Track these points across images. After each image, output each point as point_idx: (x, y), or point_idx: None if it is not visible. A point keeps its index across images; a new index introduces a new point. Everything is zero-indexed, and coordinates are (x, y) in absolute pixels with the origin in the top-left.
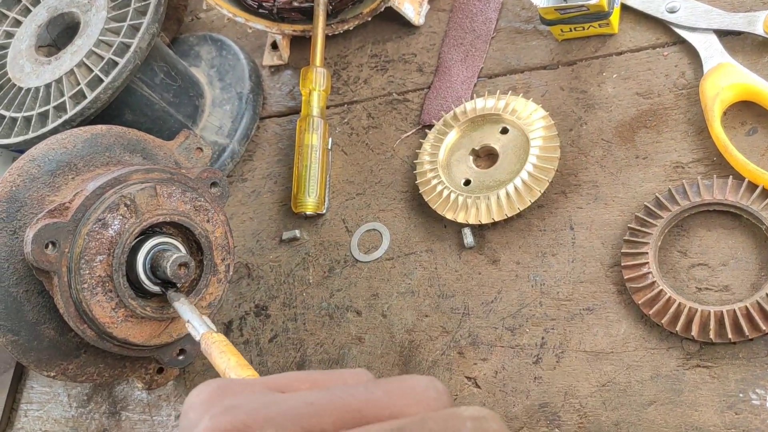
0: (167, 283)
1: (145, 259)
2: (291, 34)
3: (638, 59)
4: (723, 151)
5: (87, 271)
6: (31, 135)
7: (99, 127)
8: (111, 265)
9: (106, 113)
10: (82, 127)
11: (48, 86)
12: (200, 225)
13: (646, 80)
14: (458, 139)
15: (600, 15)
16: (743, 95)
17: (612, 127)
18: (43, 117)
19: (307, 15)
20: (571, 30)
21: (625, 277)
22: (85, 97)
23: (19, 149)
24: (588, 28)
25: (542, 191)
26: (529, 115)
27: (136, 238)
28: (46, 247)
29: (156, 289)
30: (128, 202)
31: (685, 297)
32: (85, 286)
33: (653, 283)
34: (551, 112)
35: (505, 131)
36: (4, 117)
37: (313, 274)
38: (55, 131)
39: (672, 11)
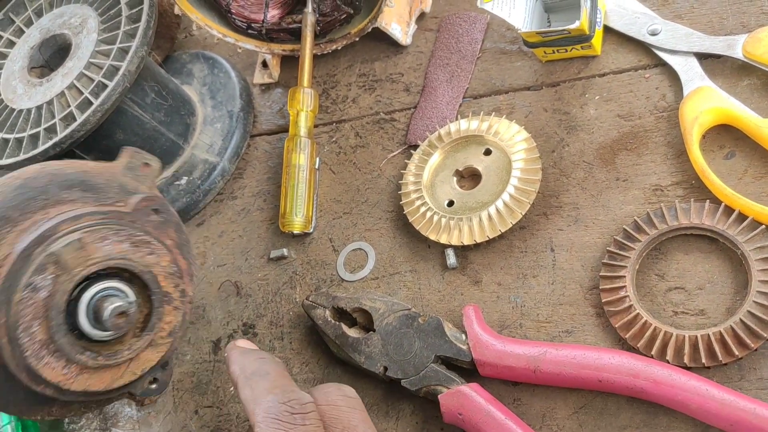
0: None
1: (87, 309)
2: (281, 53)
3: (620, 81)
4: (701, 174)
5: (26, 339)
6: (22, 157)
7: (30, 169)
8: (50, 327)
9: (97, 134)
10: (12, 174)
11: (39, 108)
12: (140, 261)
13: (627, 102)
14: (442, 160)
15: (581, 38)
16: (722, 119)
17: (593, 149)
18: (35, 139)
19: (296, 35)
20: (554, 52)
21: (603, 300)
22: (75, 119)
23: (11, 170)
24: (571, 50)
25: (524, 213)
26: (512, 137)
27: (71, 295)
28: None
29: (106, 335)
30: (55, 260)
31: (661, 321)
32: (28, 353)
33: (630, 306)
34: (534, 133)
35: (488, 152)
36: None
37: (299, 293)
38: (45, 153)
39: (653, 34)
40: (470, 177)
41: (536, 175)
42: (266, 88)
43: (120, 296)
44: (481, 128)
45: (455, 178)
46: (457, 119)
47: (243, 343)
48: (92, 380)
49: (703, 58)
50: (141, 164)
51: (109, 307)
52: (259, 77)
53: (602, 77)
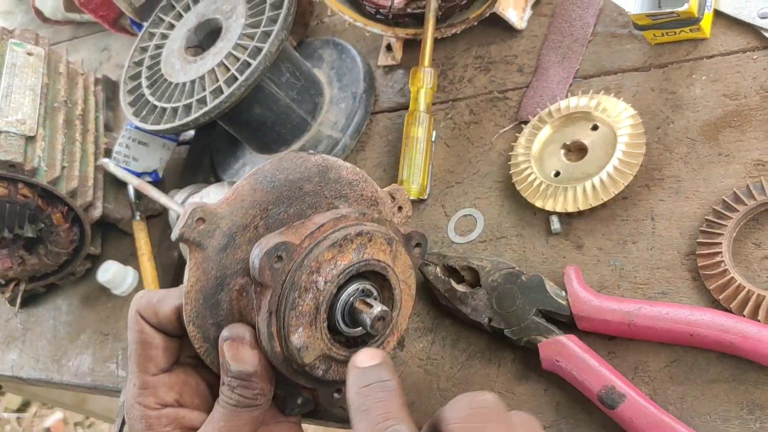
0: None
1: (345, 302)
2: (404, 37)
3: (728, 62)
4: None
5: (298, 297)
6: (177, 123)
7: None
8: (324, 298)
9: (238, 107)
10: (305, 157)
11: (193, 82)
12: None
13: (734, 82)
14: (552, 134)
15: (690, 21)
16: None
17: (697, 126)
18: (188, 108)
19: (419, 20)
20: (663, 34)
21: (699, 264)
22: (222, 92)
23: (167, 135)
24: (679, 33)
25: (626, 184)
26: (619, 114)
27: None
28: (276, 261)
29: (349, 331)
30: (366, 240)
31: (755, 285)
32: (293, 312)
33: (725, 270)
34: (640, 111)
35: (595, 128)
36: (156, 107)
37: None
38: (195, 121)
39: (764, 17)
40: (577, 151)
41: (640, 149)
42: (389, 69)
43: (372, 297)
44: (589, 105)
45: (563, 151)
46: (567, 97)
47: (364, 357)
48: (329, 368)
49: None
50: (397, 207)
51: (374, 311)
52: (383, 59)
53: (710, 59)
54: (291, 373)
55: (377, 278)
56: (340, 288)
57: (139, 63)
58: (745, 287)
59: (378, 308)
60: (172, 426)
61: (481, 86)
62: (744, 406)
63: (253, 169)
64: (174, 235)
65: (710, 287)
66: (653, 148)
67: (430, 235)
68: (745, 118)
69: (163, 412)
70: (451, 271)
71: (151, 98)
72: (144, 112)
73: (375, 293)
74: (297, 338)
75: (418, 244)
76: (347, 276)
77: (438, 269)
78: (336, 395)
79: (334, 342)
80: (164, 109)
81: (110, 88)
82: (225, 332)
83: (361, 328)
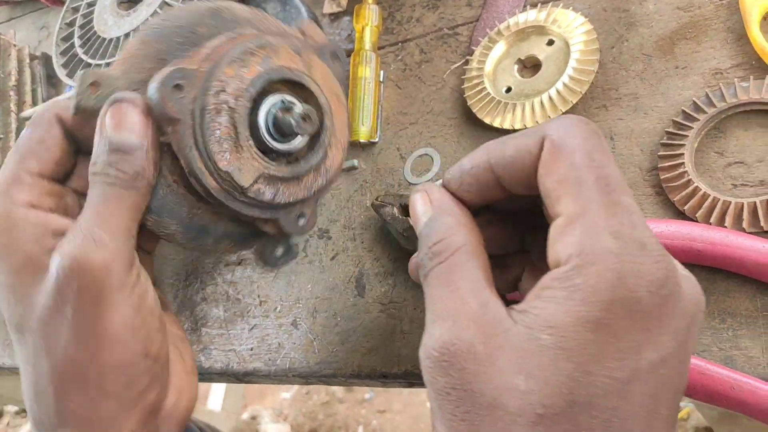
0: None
1: (266, 115)
2: None
3: None
4: (761, 53)
5: (212, 121)
6: None
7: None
8: (238, 135)
9: None
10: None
11: (127, 35)
12: (315, 83)
13: None
14: (506, 50)
15: None
16: None
17: (652, 42)
18: None
19: None
20: None
21: (662, 178)
22: None
23: None
24: None
25: (575, 102)
26: (570, 24)
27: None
28: (173, 90)
29: (280, 146)
30: (271, 52)
31: (720, 192)
32: (212, 138)
33: (689, 180)
34: (594, 30)
35: (551, 43)
36: (90, 65)
37: (369, 198)
38: None
39: None
40: (532, 67)
41: (592, 65)
42: (335, 17)
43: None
44: (538, 18)
45: (516, 66)
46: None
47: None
48: (276, 190)
49: None
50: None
51: (297, 111)
52: (328, 7)
53: None
54: (242, 207)
55: (295, 88)
56: (257, 104)
57: (71, 23)
58: (710, 195)
59: (299, 108)
60: (42, 228)
61: (430, 24)
62: (716, 316)
63: None
64: (71, 109)
65: (674, 199)
66: (609, 68)
67: (386, 178)
68: (700, 29)
69: (32, 213)
70: (408, 210)
71: (84, 57)
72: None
73: (297, 103)
74: (225, 163)
75: (335, 55)
76: (258, 88)
77: (395, 209)
78: (301, 221)
79: (271, 161)
80: (99, 67)
81: (51, 65)
82: (111, 97)
83: (293, 138)
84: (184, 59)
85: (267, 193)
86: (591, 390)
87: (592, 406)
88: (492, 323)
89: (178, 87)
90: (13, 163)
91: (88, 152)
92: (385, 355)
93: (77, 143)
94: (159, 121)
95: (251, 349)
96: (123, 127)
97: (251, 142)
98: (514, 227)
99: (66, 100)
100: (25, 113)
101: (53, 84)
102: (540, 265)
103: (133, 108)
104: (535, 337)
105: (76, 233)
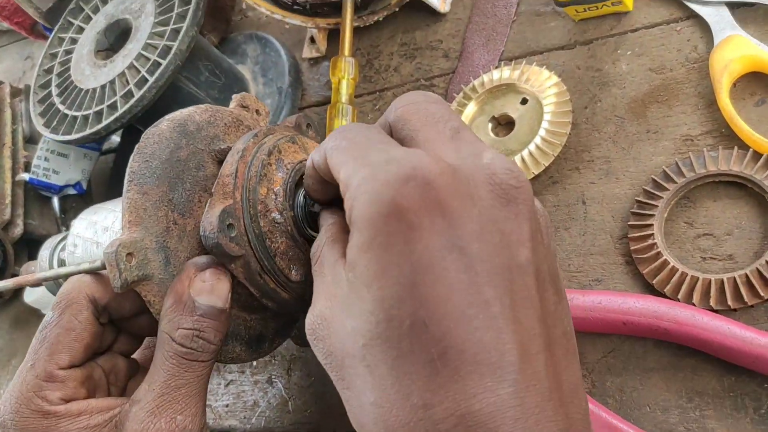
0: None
1: (302, 213)
2: (326, 27)
3: (652, 35)
4: (730, 122)
5: (271, 243)
6: (88, 131)
7: (186, 116)
8: (287, 208)
9: (154, 109)
10: (173, 119)
11: (103, 87)
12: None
13: (659, 56)
14: (479, 108)
15: None
16: (752, 66)
17: (625, 104)
18: (99, 115)
19: (338, 9)
20: (585, 10)
21: (632, 248)
22: (133, 95)
23: (86, 145)
24: (602, 7)
25: (547, 164)
26: (542, 83)
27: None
28: (229, 229)
29: (315, 233)
30: (278, 154)
31: (689, 266)
32: (278, 257)
33: (658, 253)
34: (567, 90)
35: (524, 101)
36: (67, 116)
37: None
38: (107, 128)
39: None
40: (506, 125)
41: (565, 128)
42: (315, 62)
43: None
44: (512, 77)
45: (491, 125)
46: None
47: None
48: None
49: (735, 7)
50: (254, 111)
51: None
52: (308, 52)
53: (634, 32)
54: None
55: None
56: (293, 207)
57: (49, 70)
58: (678, 269)
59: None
60: (81, 424)
61: (408, 74)
62: (683, 395)
63: (125, 180)
64: (117, 286)
65: (644, 271)
66: (582, 128)
67: None
68: (671, 92)
69: (69, 407)
70: None
71: (61, 107)
72: (55, 122)
73: None
74: (296, 275)
75: (308, 125)
76: (292, 195)
77: None
78: None
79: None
80: (75, 118)
81: None
82: (196, 260)
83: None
84: (213, 198)
85: None
86: (385, 293)
87: (393, 316)
88: (334, 288)
89: (230, 226)
90: (44, 359)
91: (120, 319)
92: None
93: (109, 315)
94: (222, 263)
95: (227, 406)
96: (211, 292)
97: (305, 242)
98: None
99: (92, 279)
100: (20, 177)
101: None
102: None
103: (221, 273)
104: (348, 279)
105: (160, 419)
